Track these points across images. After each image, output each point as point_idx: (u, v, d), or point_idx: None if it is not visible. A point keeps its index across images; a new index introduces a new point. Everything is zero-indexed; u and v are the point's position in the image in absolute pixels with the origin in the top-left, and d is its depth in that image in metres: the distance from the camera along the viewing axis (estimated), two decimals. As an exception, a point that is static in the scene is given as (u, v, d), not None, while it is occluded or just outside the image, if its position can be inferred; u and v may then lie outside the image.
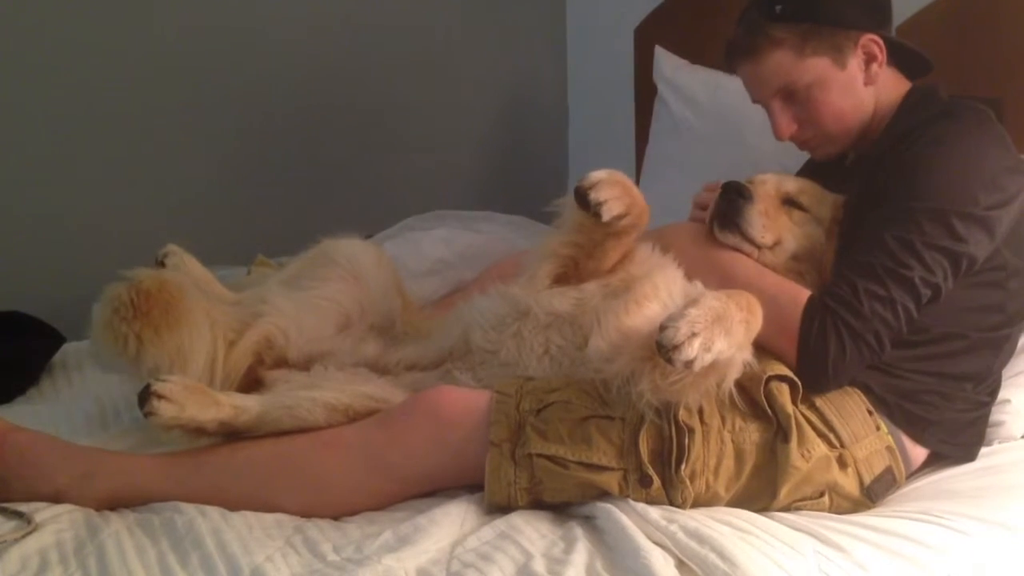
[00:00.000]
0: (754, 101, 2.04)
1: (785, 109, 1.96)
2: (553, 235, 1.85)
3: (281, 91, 3.17)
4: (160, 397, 1.63)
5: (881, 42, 1.93)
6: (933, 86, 1.96)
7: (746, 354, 1.51)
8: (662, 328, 1.43)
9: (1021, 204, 1.77)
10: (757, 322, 1.53)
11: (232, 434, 1.71)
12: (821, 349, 1.64)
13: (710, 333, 1.43)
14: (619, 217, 1.69)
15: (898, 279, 1.66)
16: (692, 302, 1.46)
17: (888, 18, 1.99)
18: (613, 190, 1.68)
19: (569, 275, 1.84)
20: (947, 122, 1.81)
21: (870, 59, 1.92)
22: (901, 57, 1.98)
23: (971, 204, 1.69)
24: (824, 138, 1.97)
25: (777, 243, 1.80)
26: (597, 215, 1.67)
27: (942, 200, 1.70)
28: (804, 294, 1.69)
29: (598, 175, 1.68)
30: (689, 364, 1.42)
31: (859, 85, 1.93)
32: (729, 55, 2.02)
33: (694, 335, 1.41)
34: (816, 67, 1.90)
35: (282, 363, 1.91)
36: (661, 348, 1.42)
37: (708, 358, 1.43)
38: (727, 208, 1.80)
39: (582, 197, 1.67)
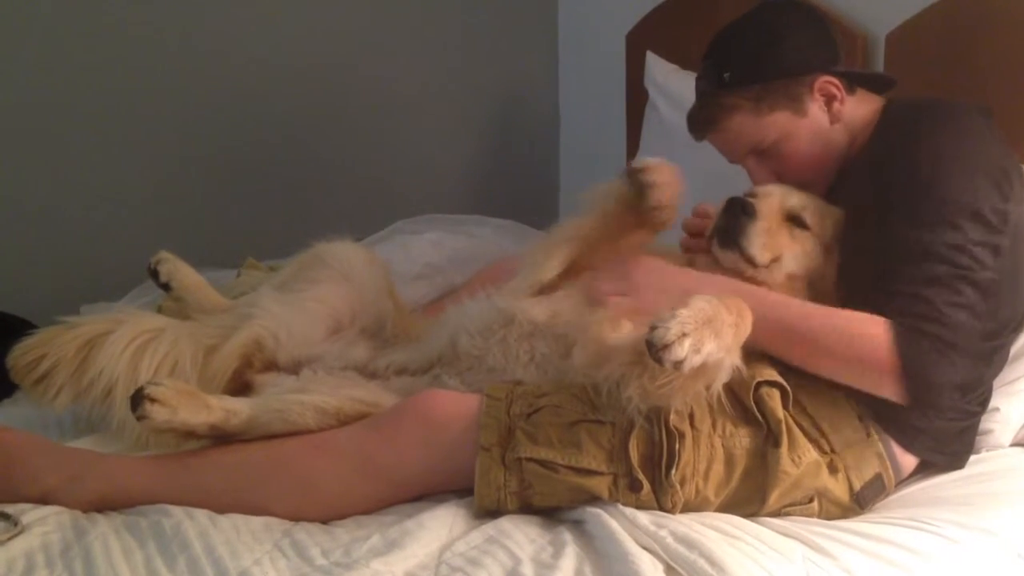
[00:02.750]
0: (731, 162, 2.05)
1: (761, 165, 1.97)
2: (579, 219, 1.84)
3: (272, 95, 3.17)
4: (153, 400, 1.62)
5: (836, 80, 1.92)
6: (911, 96, 1.97)
7: (735, 358, 1.51)
8: (652, 328, 1.43)
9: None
10: (746, 326, 1.52)
11: (222, 437, 1.70)
12: (923, 370, 1.59)
13: (700, 334, 1.42)
14: (661, 203, 1.71)
15: (969, 282, 1.63)
16: (682, 304, 1.46)
17: (836, 53, 1.97)
18: (664, 175, 1.70)
19: (580, 265, 1.84)
20: (936, 114, 1.80)
21: (829, 99, 1.92)
22: (862, 81, 1.98)
23: (996, 198, 1.68)
24: (805, 182, 1.94)
25: (775, 261, 1.78)
26: (645, 196, 1.69)
27: (969, 196, 1.67)
28: (872, 324, 1.61)
29: (651, 160, 1.72)
30: (678, 364, 1.41)
31: (825, 127, 1.93)
32: (691, 129, 2.03)
33: (684, 335, 1.41)
34: (777, 122, 1.91)
35: (271, 366, 1.91)
36: (651, 347, 1.42)
37: (698, 360, 1.42)
38: (729, 225, 1.78)
39: (637, 178, 1.69)
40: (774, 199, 1.83)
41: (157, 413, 1.62)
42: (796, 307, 1.68)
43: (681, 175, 1.74)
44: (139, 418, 1.63)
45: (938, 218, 1.66)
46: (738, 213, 1.78)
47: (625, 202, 1.75)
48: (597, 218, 1.81)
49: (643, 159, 1.70)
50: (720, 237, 1.80)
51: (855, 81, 1.97)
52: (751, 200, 1.80)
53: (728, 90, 1.92)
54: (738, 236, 1.77)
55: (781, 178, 1.95)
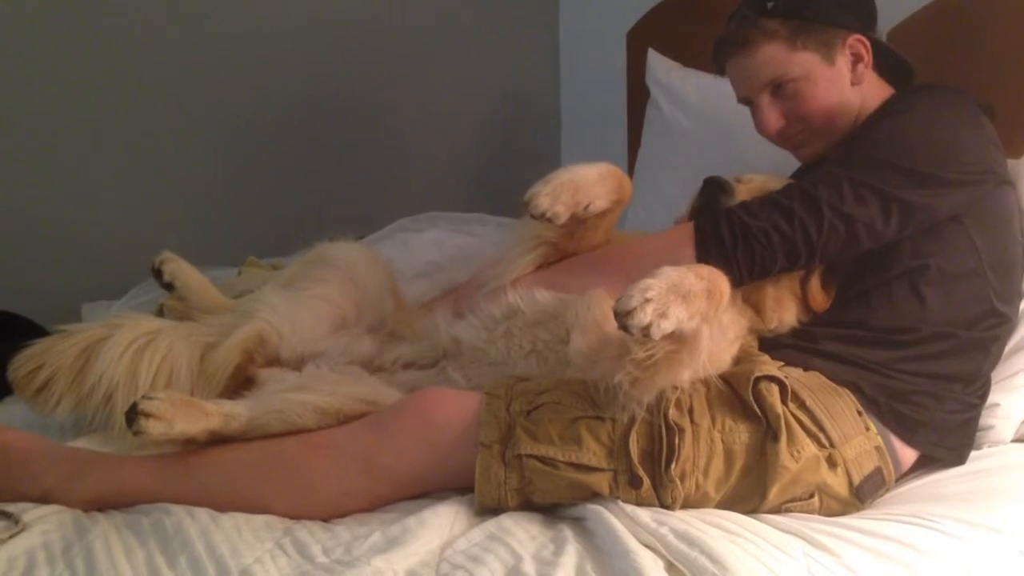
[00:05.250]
0: (740, 99, 2.07)
1: (773, 103, 1.99)
2: (533, 224, 1.87)
3: (274, 93, 3.17)
4: (148, 416, 1.61)
5: (867, 43, 1.97)
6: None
7: (715, 327, 1.51)
8: (618, 298, 1.44)
9: (985, 188, 1.81)
10: (721, 293, 1.52)
11: (223, 440, 1.70)
12: (716, 236, 1.72)
13: (664, 299, 1.43)
14: (577, 215, 1.75)
15: (803, 195, 1.73)
16: (650, 274, 1.47)
17: (874, 21, 2.03)
18: (551, 198, 1.72)
19: (551, 259, 1.89)
20: (920, 95, 1.89)
21: (857, 59, 1.97)
22: (886, 64, 2.02)
23: (914, 161, 1.75)
24: (810, 134, 2.00)
25: None
26: (550, 222, 1.73)
27: (884, 151, 1.77)
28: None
29: (536, 187, 1.74)
30: (646, 331, 1.42)
31: (846, 83, 1.97)
32: (720, 49, 2.05)
33: (647, 301, 1.42)
34: (805, 61, 1.94)
35: (274, 362, 1.91)
36: (617, 316, 1.43)
37: (667, 325, 1.42)
38: (707, 203, 1.81)
39: (529, 213, 1.73)
40: (754, 184, 1.87)
41: (153, 428, 1.61)
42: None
43: (585, 170, 1.79)
44: (135, 433, 1.62)
45: (858, 159, 1.77)
46: (716, 191, 1.81)
47: (551, 228, 1.81)
48: (546, 239, 1.88)
49: (532, 187, 1.74)
50: (698, 216, 1.82)
51: (882, 57, 2.01)
52: (729, 180, 1.84)
53: (770, 16, 1.95)
54: None
55: (789, 121, 1.99)
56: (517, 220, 1.93)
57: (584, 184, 1.76)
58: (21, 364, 1.84)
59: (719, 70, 2.09)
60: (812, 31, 1.94)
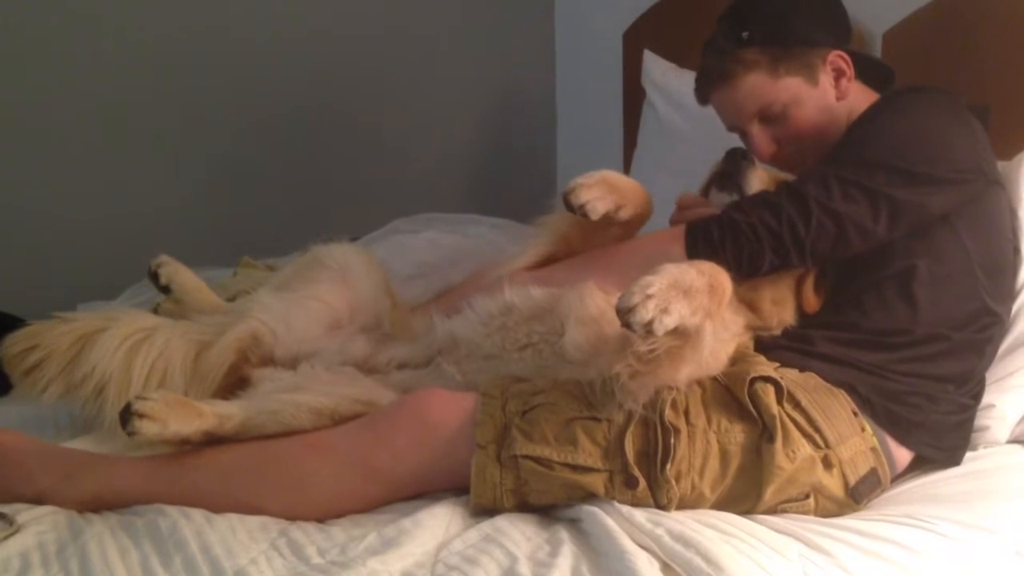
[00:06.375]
0: (730, 129, 2.08)
1: (763, 131, 2.01)
2: (558, 217, 1.92)
3: (270, 94, 3.17)
4: (142, 416, 1.61)
5: (847, 57, 1.98)
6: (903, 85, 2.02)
7: (717, 323, 1.52)
8: (620, 296, 1.45)
9: (975, 188, 1.81)
10: (724, 288, 1.53)
11: (217, 441, 1.69)
12: (706, 231, 1.75)
13: (666, 295, 1.43)
14: (609, 215, 1.77)
15: (791, 192, 1.75)
16: (651, 271, 1.47)
17: (849, 33, 2.04)
18: (593, 191, 1.75)
19: (559, 256, 1.92)
20: (910, 96, 1.88)
21: (839, 74, 1.98)
22: (867, 71, 2.03)
23: (903, 160, 1.75)
24: (803, 154, 2.00)
25: None
26: (585, 215, 1.74)
27: (873, 150, 1.78)
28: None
29: (578, 179, 1.76)
30: (649, 327, 1.42)
31: (832, 100, 1.98)
32: (702, 83, 2.06)
33: (648, 297, 1.42)
34: (790, 86, 1.96)
35: (268, 361, 1.90)
36: (619, 313, 1.44)
37: (669, 321, 1.43)
38: (730, 170, 1.86)
39: (567, 202, 1.75)
40: (767, 171, 1.91)
41: (147, 428, 1.61)
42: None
43: (621, 177, 1.82)
44: (129, 434, 1.61)
45: (848, 158, 1.79)
46: (739, 159, 1.87)
47: (578, 221, 1.83)
48: (564, 235, 1.91)
49: (574, 179, 1.77)
50: (720, 182, 1.88)
51: (862, 66, 2.02)
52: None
53: (747, 47, 1.95)
54: (739, 179, 1.85)
55: (781, 145, 2.00)
56: (541, 217, 1.97)
57: (621, 187, 1.79)
58: (15, 342, 1.83)
59: (701, 101, 2.09)
60: (792, 55, 1.95)
